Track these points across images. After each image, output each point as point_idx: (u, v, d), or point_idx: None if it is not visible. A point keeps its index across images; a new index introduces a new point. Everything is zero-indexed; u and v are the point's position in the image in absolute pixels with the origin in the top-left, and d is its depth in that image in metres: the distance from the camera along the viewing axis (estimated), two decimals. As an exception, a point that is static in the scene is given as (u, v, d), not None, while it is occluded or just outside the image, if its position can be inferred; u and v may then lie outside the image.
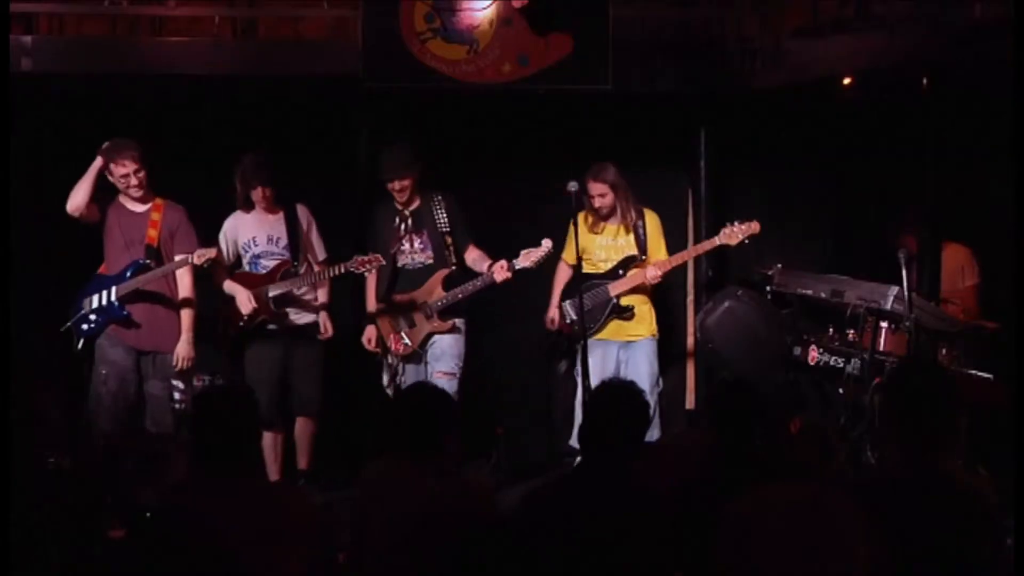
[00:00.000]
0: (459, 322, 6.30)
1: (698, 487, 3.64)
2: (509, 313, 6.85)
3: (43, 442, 4.11)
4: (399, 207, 6.30)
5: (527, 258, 6.07)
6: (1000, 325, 6.04)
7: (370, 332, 6.37)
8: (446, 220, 6.28)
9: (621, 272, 6.37)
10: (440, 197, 6.31)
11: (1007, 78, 4.73)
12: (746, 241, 6.29)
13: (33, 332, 6.17)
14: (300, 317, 6.33)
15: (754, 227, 6.25)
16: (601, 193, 6.28)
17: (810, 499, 3.05)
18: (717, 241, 6.32)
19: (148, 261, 5.94)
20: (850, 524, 3.04)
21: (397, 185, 6.21)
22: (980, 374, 5.54)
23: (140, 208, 6.04)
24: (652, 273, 6.28)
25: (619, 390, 3.76)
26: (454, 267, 6.27)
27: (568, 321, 6.42)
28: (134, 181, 5.94)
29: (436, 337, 6.26)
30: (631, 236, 6.39)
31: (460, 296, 6.19)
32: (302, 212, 6.36)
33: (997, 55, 5.19)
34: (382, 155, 6.27)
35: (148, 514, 3.98)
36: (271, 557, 3.39)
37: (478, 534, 3.58)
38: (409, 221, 6.29)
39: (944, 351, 5.81)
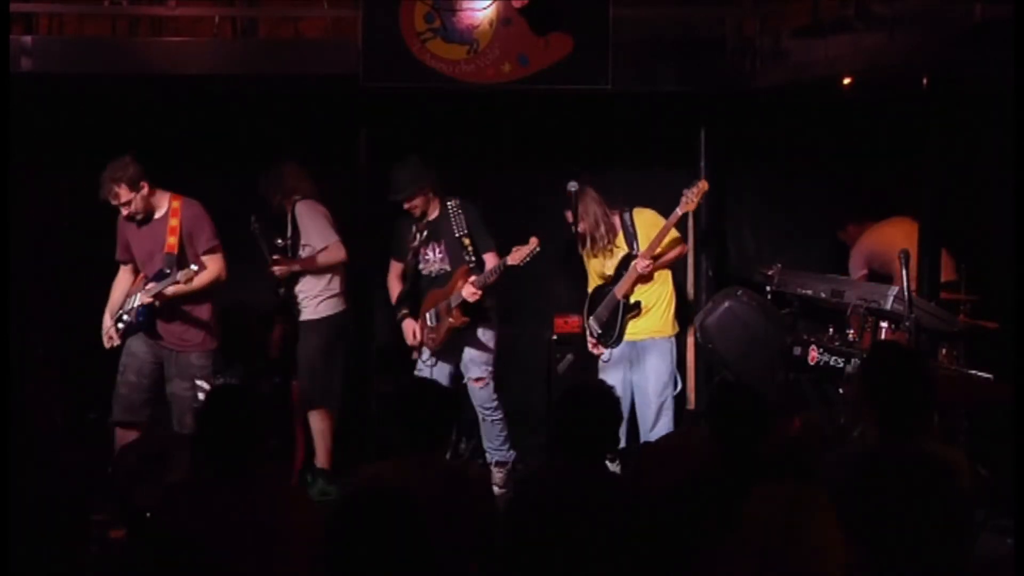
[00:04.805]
0: (482, 331, 6.33)
1: (697, 487, 3.64)
2: (510, 314, 6.84)
3: (44, 440, 4.12)
4: (416, 218, 6.32)
5: (516, 256, 6.04)
6: (1000, 325, 6.04)
7: (409, 325, 6.41)
8: (465, 225, 6.28)
9: (623, 272, 6.39)
10: (458, 203, 6.30)
11: (1007, 78, 4.74)
12: (698, 209, 6.43)
13: (31, 331, 6.17)
14: (301, 312, 6.48)
15: (703, 186, 6.28)
16: (571, 222, 6.32)
17: (793, 499, 3.09)
18: (679, 211, 6.30)
19: (167, 270, 5.87)
20: (831, 523, 3.08)
21: (406, 205, 6.25)
22: (980, 374, 5.53)
23: (156, 215, 5.99)
24: (642, 264, 6.30)
25: (589, 391, 3.82)
26: (473, 264, 6.26)
27: (595, 337, 6.44)
28: (128, 211, 5.91)
29: (464, 347, 6.32)
30: (621, 238, 6.41)
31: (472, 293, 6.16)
32: (298, 208, 6.49)
33: (997, 55, 5.19)
34: (391, 173, 6.27)
35: (148, 514, 3.98)
36: (271, 557, 3.39)
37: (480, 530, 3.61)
38: (425, 232, 6.30)
39: (944, 351, 5.81)
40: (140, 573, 3.62)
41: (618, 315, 6.36)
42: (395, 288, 6.50)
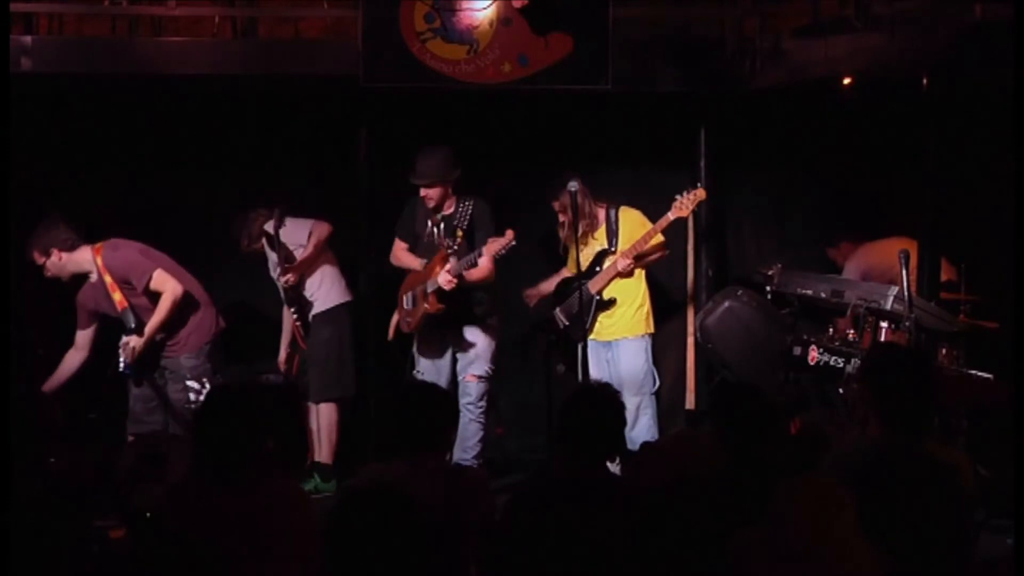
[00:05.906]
0: (493, 321, 6.32)
1: (699, 487, 3.65)
2: (509, 314, 6.84)
3: (44, 441, 4.11)
4: (430, 209, 6.27)
5: (491, 247, 5.94)
6: (1000, 325, 6.04)
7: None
8: (469, 220, 6.21)
9: (598, 268, 6.40)
10: (471, 203, 6.24)
11: (1007, 78, 4.74)
12: (696, 210, 6.42)
13: (31, 331, 6.17)
14: (311, 307, 6.49)
15: (700, 194, 6.31)
16: (559, 210, 6.31)
17: (820, 495, 3.11)
18: (671, 216, 6.32)
19: (132, 324, 5.90)
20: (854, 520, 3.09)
21: (423, 191, 6.19)
22: (980, 374, 5.53)
23: (93, 277, 6.00)
24: (623, 263, 6.31)
25: (595, 392, 3.83)
26: (453, 251, 6.10)
27: (562, 327, 6.46)
28: (48, 275, 5.97)
29: (471, 338, 6.28)
30: (602, 232, 6.41)
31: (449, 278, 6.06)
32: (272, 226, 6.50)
33: (997, 55, 5.19)
34: (418, 156, 6.19)
35: (148, 514, 3.98)
36: (271, 557, 3.39)
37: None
38: (442, 225, 6.26)
39: (944, 351, 5.81)
40: (140, 573, 3.62)
41: (590, 310, 6.33)
42: (406, 257, 6.40)
